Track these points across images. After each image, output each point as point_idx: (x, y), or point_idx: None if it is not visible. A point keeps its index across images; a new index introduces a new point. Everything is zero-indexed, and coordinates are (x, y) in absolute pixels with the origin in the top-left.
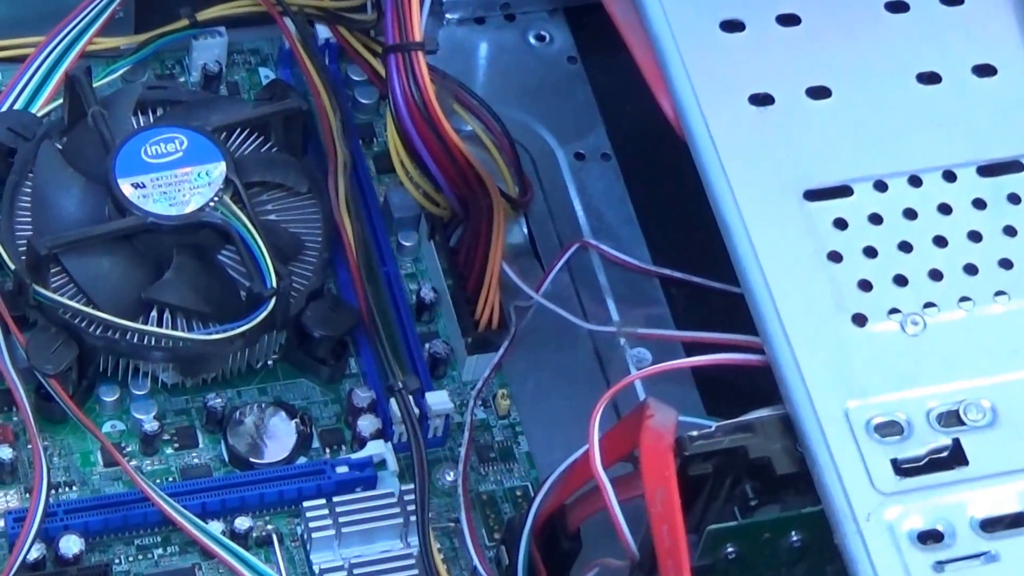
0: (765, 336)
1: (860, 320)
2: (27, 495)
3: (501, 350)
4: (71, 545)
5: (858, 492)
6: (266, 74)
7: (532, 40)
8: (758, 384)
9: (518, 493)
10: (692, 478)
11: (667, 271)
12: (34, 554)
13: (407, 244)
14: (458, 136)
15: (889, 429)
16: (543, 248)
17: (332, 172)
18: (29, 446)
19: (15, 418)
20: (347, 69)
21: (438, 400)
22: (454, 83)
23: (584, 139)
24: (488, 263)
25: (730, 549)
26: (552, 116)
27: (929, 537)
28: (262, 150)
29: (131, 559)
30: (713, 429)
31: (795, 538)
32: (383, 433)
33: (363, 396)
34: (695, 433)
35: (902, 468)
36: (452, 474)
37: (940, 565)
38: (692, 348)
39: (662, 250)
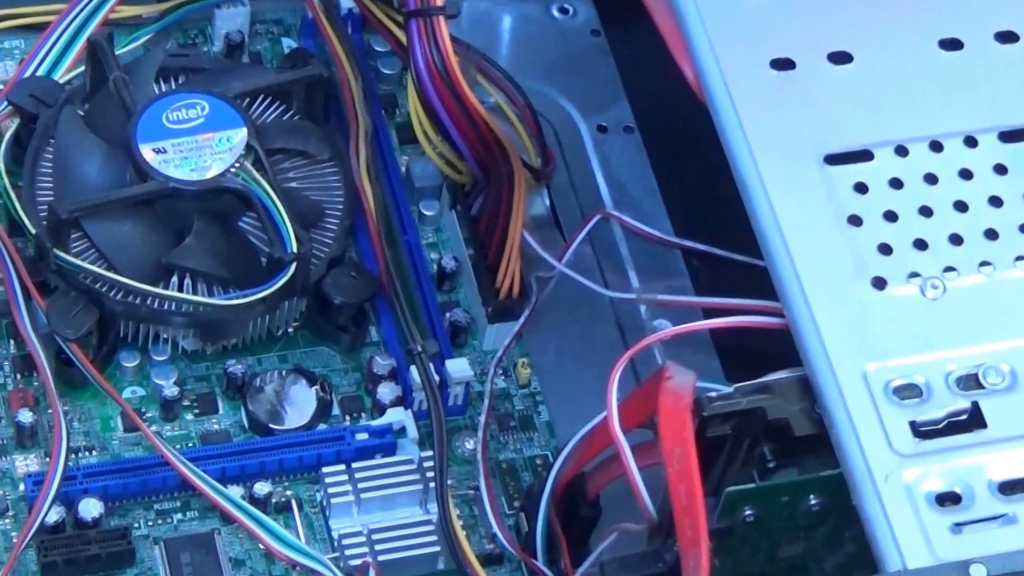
0: (785, 299)
1: (880, 283)
2: (47, 459)
3: (522, 319)
4: (90, 508)
5: (876, 453)
6: (289, 44)
7: (555, 13)
8: (778, 351)
9: (538, 462)
10: (710, 439)
11: (689, 243)
12: (53, 517)
13: (428, 214)
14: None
15: (908, 392)
16: (565, 220)
17: (353, 139)
18: (49, 411)
19: (36, 383)
20: (370, 40)
21: (458, 368)
22: (477, 55)
23: (607, 112)
24: (509, 231)
25: (748, 512)
26: (575, 89)
27: (947, 499)
28: (284, 118)
29: (150, 523)
30: (732, 390)
31: (813, 501)
32: (403, 401)
33: (383, 364)
34: (714, 394)
35: (920, 430)
36: (472, 442)
37: (958, 527)
38: (712, 316)
39: (684, 222)
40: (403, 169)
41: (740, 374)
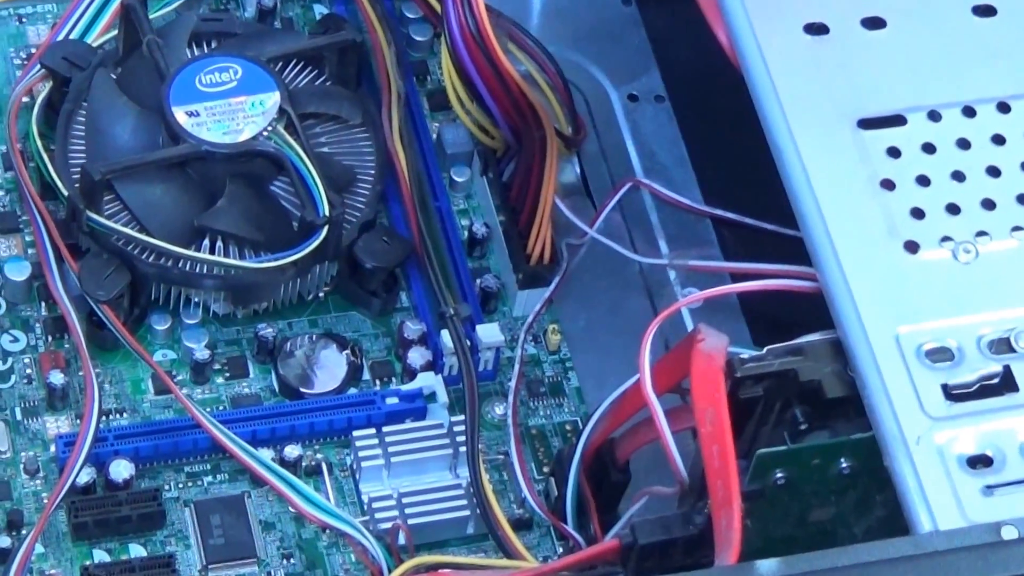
0: (817, 261)
1: (912, 247)
2: (78, 421)
3: (552, 285)
4: (121, 470)
5: (908, 416)
6: (321, 11)
7: None
8: (805, 317)
9: (567, 428)
10: (742, 401)
11: (719, 211)
12: (84, 478)
13: (460, 180)
14: None
15: (940, 355)
16: (596, 188)
17: (386, 104)
18: (80, 373)
19: (67, 345)
20: (401, 7)
21: (488, 333)
22: (509, 23)
23: (638, 81)
24: (540, 197)
25: (779, 474)
26: (606, 58)
27: (979, 461)
28: (316, 83)
29: (181, 486)
30: (764, 352)
31: (844, 465)
32: (433, 366)
33: (414, 328)
34: (746, 356)
35: (952, 393)
36: (502, 408)
37: (989, 489)
38: (742, 281)
39: (714, 191)
40: (434, 135)
41: (768, 341)
